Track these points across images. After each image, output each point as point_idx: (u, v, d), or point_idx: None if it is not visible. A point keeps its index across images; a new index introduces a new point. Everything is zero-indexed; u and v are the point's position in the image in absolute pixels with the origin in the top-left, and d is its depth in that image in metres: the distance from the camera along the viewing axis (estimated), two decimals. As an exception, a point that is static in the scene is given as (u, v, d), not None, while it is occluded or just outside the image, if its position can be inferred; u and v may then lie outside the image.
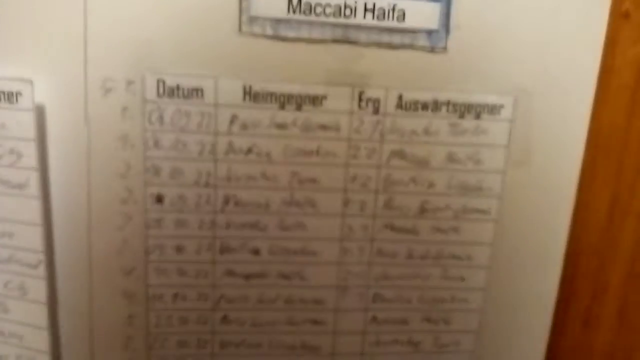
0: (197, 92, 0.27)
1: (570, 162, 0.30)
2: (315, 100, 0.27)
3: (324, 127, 0.28)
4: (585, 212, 0.31)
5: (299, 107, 0.27)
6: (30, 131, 0.26)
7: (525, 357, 0.32)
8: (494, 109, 0.28)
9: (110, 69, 0.26)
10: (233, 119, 0.27)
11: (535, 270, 0.31)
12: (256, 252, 0.29)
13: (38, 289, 0.28)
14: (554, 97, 0.29)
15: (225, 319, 0.30)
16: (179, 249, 0.29)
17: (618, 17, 0.28)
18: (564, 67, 0.28)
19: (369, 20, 0.26)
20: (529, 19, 0.27)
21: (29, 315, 0.29)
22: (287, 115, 0.27)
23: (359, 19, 0.26)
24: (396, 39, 0.27)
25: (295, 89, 0.27)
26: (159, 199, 0.28)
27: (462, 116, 0.28)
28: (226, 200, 0.28)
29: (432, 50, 0.27)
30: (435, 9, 0.27)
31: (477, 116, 0.28)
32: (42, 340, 0.29)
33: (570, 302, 0.33)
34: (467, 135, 0.29)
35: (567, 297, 0.32)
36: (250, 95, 0.27)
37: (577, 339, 0.33)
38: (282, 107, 0.27)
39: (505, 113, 0.28)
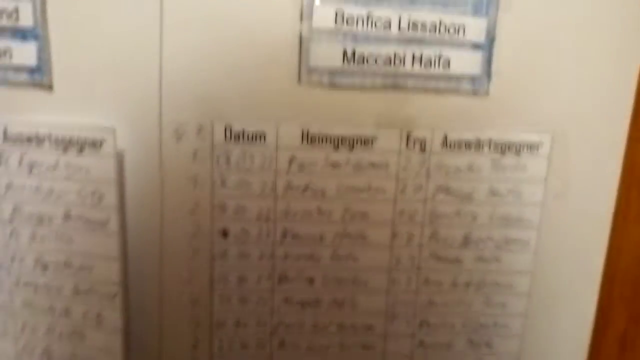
0: (260, 136, 0.29)
1: (605, 194, 0.32)
2: (366, 142, 0.30)
3: (374, 166, 0.30)
4: (620, 241, 0.33)
5: (351, 148, 0.30)
6: (111, 174, 0.28)
7: (566, 379, 0.34)
8: (532, 147, 0.30)
9: (182, 116, 0.29)
10: (292, 160, 0.30)
11: (572, 297, 0.33)
12: (311, 281, 0.32)
13: (114, 318, 0.30)
14: (589, 133, 0.30)
15: (282, 344, 0.32)
16: (241, 279, 0.31)
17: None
18: (598, 106, 0.30)
19: (417, 68, 0.29)
20: (565, 63, 0.29)
21: (104, 342, 0.31)
22: (341, 155, 0.30)
23: (407, 67, 0.29)
24: (442, 84, 0.29)
25: (348, 131, 0.29)
26: (225, 234, 0.30)
27: (503, 153, 0.30)
28: (284, 234, 0.31)
29: (475, 94, 0.29)
30: (478, 57, 0.29)
31: (517, 153, 0.30)
32: (115, 365, 0.31)
33: (607, 326, 0.34)
34: (508, 171, 0.31)
35: (604, 322, 0.34)
36: (308, 138, 0.29)
37: (615, 362, 0.35)
38: (336, 148, 0.30)
39: (544, 150, 0.30)
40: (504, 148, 0.30)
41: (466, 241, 0.31)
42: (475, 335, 0.33)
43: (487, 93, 0.29)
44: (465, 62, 0.29)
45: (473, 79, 0.29)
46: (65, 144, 0.28)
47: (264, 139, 0.29)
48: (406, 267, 0.32)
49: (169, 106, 0.28)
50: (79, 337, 0.31)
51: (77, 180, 0.29)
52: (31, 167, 0.29)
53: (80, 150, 0.28)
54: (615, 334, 0.34)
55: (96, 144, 0.28)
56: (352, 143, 0.30)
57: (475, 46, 0.29)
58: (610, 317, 0.34)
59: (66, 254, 0.30)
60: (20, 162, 0.29)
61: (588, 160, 0.31)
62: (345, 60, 0.28)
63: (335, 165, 0.30)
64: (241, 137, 0.29)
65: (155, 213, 0.30)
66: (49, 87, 0.28)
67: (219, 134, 0.29)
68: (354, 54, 0.28)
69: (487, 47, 0.29)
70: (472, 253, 0.32)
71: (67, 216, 0.29)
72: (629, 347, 0.35)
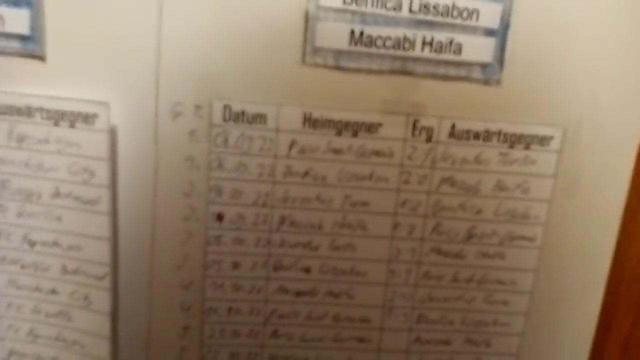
0: (260, 117, 0.28)
1: (616, 192, 0.30)
2: (371, 128, 0.29)
3: (377, 153, 0.29)
4: (628, 241, 0.32)
5: (354, 134, 0.29)
6: (104, 151, 0.27)
7: (566, 382, 0.33)
8: (543, 140, 0.29)
9: (180, 94, 0.27)
10: (292, 144, 0.28)
11: (577, 297, 0.32)
12: (307, 270, 0.30)
13: (102, 299, 0.29)
14: (602, 129, 0.29)
15: (275, 334, 0.31)
16: (235, 265, 0.30)
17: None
18: (612, 99, 0.29)
19: (427, 53, 0.28)
20: (579, 52, 0.28)
21: (92, 324, 0.30)
22: (343, 141, 0.29)
23: (417, 51, 0.28)
24: (452, 71, 0.28)
25: (352, 116, 0.28)
26: (220, 218, 0.29)
27: (512, 146, 0.29)
28: (282, 220, 0.30)
29: (486, 82, 0.28)
30: (491, 44, 0.28)
31: (527, 146, 0.29)
32: (102, 349, 0.30)
33: (611, 327, 0.33)
34: (516, 165, 0.29)
35: (608, 323, 0.33)
36: (310, 122, 0.28)
37: (616, 366, 0.34)
38: (339, 133, 0.29)
39: (554, 144, 0.29)
40: (513, 140, 0.29)
41: (470, 236, 0.30)
42: (474, 332, 0.32)
43: (498, 82, 0.28)
44: (478, 49, 0.28)
45: (485, 67, 0.28)
46: (57, 117, 0.27)
47: (265, 121, 0.28)
48: (406, 260, 0.31)
49: (167, 82, 0.27)
50: (66, 318, 0.30)
51: (68, 156, 0.27)
52: (21, 140, 0.28)
53: (72, 124, 0.27)
54: (620, 336, 0.33)
55: (89, 119, 0.27)
56: (356, 129, 0.28)
57: (489, 32, 0.27)
58: (615, 318, 0.33)
59: (55, 232, 0.29)
60: (9, 135, 0.28)
61: (600, 155, 0.29)
62: (353, 42, 0.27)
63: (337, 151, 0.29)
64: (240, 117, 0.28)
65: (148, 193, 0.29)
66: (42, 57, 0.27)
67: (218, 114, 0.28)
68: (361, 35, 0.27)
69: (501, 33, 0.27)
70: (475, 248, 0.31)
71: (56, 193, 0.28)
72: (633, 349, 0.34)
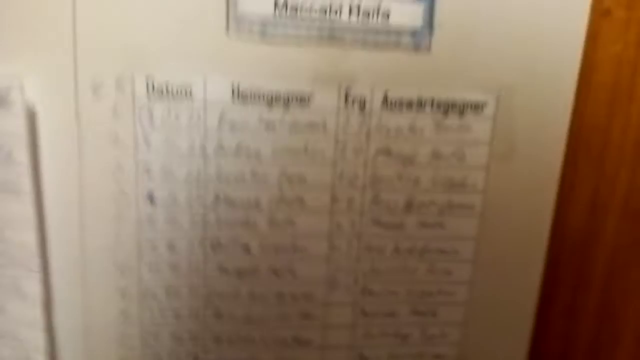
0: (186, 91, 0.27)
1: (552, 157, 0.31)
2: (302, 99, 0.28)
3: (311, 126, 0.28)
4: (567, 206, 0.32)
5: (286, 106, 0.28)
6: (22, 130, 0.26)
7: (510, 347, 0.33)
8: (477, 107, 0.29)
9: (99, 68, 0.26)
10: (222, 118, 0.28)
11: (519, 264, 0.32)
12: (247, 248, 0.30)
13: (33, 288, 0.28)
14: (536, 93, 0.29)
15: (217, 314, 0.31)
16: (171, 246, 0.29)
17: (599, 15, 0.29)
18: (545, 64, 0.29)
19: (354, 20, 0.27)
20: (511, 18, 0.28)
21: (24, 314, 0.29)
22: (275, 114, 0.28)
23: (344, 19, 0.27)
24: (381, 38, 0.27)
25: (282, 88, 0.28)
26: (150, 198, 0.28)
27: (446, 114, 0.29)
28: (217, 198, 0.29)
29: (416, 49, 0.28)
30: (419, 9, 0.27)
31: (461, 113, 0.29)
32: (38, 340, 0.29)
33: (553, 294, 0.33)
34: (451, 132, 0.29)
35: (550, 290, 0.33)
36: (239, 94, 0.27)
37: (560, 331, 0.34)
38: (269, 105, 0.28)
39: (488, 110, 0.29)
40: (446, 108, 0.29)
41: (408, 206, 0.30)
42: (419, 303, 0.32)
43: (429, 48, 0.28)
44: (406, 15, 0.27)
45: (414, 33, 0.28)
46: (-31, 97, 0.26)
47: (190, 94, 0.27)
48: (346, 233, 0.30)
49: (85, 56, 0.26)
50: (-4, 309, 0.29)
51: (-17, 137, 0.26)
52: None
53: (-15, 103, 0.26)
54: (562, 301, 0.34)
55: (1, 94, 0.26)
56: (287, 100, 0.28)
57: (416, -3, 0.27)
58: (557, 284, 0.33)
59: (-25, 219, 0.28)
60: None
61: (535, 120, 0.30)
62: (277, 9, 0.26)
63: (269, 124, 0.28)
64: (165, 90, 0.27)
65: (73, 175, 0.27)
66: (-51, 34, 0.25)
67: (141, 87, 0.27)
68: (286, 2, 0.26)
69: (429, -2, 0.27)
70: (415, 218, 0.30)
71: (-27, 177, 0.27)
72: (576, 315, 0.34)
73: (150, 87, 0.27)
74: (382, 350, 0.33)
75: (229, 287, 0.30)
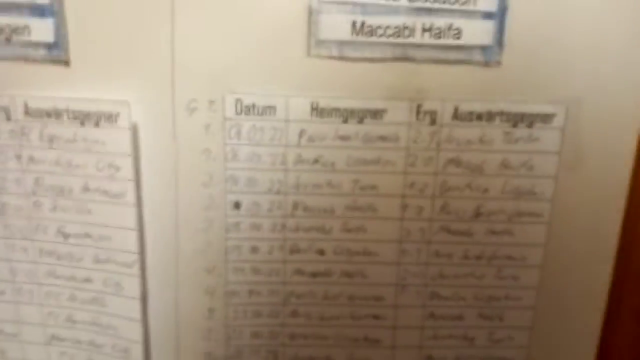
0: (270, 109, 0.29)
1: (620, 165, 0.31)
2: (376, 114, 0.30)
3: (383, 138, 0.30)
4: (636, 212, 0.32)
5: (360, 121, 0.30)
6: (127, 147, 0.29)
7: (578, 352, 0.34)
8: (546, 118, 0.30)
9: (194, 91, 0.29)
10: (301, 133, 0.30)
11: (586, 269, 0.33)
12: (322, 252, 0.32)
13: (132, 285, 0.32)
14: (604, 104, 0.30)
15: (294, 313, 0.33)
16: (254, 250, 0.32)
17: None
18: (614, 74, 0.29)
19: (427, 39, 0.29)
20: (579, 31, 0.29)
21: (123, 309, 0.32)
22: (350, 128, 0.30)
23: (417, 38, 0.29)
24: (452, 55, 0.29)
25: (357, 104, 0.30)
26: (237, 206, 0.31)
27: (515, 125, 0.30)
28: (295, 206, 0.31)
29: (486, 64, 0.29)
30: (489, 27, 0.28)
31: (530, 125, 0.30)
32: (135, 331, 0.33)
33: (622, 299, 0.34)
34: (520, 143, 0.30)
35: (619, 295, 0.33)
36: (317, 111, 0.30)
37: (629, 335, 0.34)
38: (345, 121, 0.30)
39: (557, 121, 0.30)
40: (516, 120, 0.30)
41: (477, 214, 0.31)
42: (486, 307, 0.33)
43: (499, 63, 0.29)
44: (477, 32, 0.28)
45: (484, 49, 0.29)
46: (82, 118, 0.29)
47: (274, 112, 0.29)
48: (416, 240, 0.32)
49: (181, 80, 0.29)
50: (100, 304, 0.33)
51: (95, 153, 0.30)
52: (51, 141, 0.30)
53: (97, 123, 0.29)
54: (631, 307, 0.34)
55: (112, 117, 0.29)
56: (361, 116, 0.30)
57: (487, 15, 0.28)
58: (625, 290, 0.33)
59: (86, 225, 0.31)
60: (40, 136, 0.30)
61: (603, 130, 0.30)
62: (354, 32, 0.28)
63: (344, 138, 0.30)
64: (251, 110, 0.29)
65: (170, 185, 0.31)
66: (66, 63, 0.29)
67: (230, 108, 0.29)
68: (362, 25, 0.28)
69: (499, 16, 0.28)
70: (484, 226, 0.32)
71: (85, 188, 0.30)
72: (645, 321, 0.34)
73: (239, 107, 0.29)
74: (450, 352, 0.34)
75: (305, 288, 0.33)
